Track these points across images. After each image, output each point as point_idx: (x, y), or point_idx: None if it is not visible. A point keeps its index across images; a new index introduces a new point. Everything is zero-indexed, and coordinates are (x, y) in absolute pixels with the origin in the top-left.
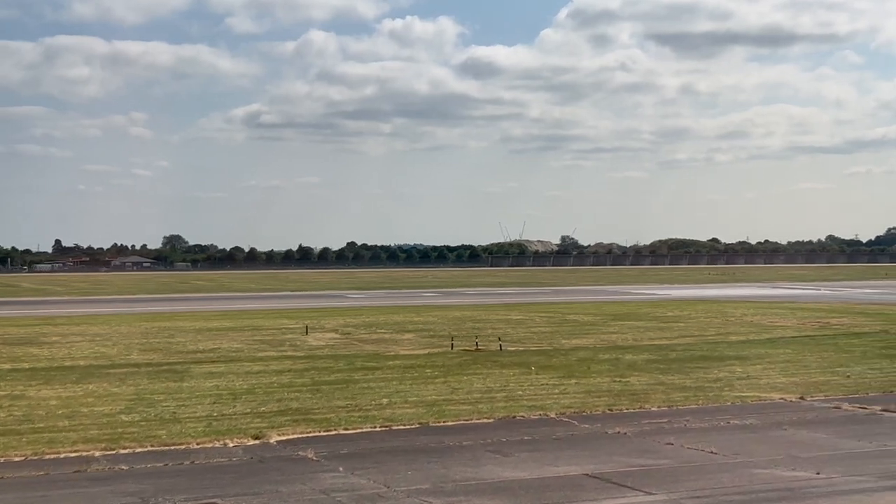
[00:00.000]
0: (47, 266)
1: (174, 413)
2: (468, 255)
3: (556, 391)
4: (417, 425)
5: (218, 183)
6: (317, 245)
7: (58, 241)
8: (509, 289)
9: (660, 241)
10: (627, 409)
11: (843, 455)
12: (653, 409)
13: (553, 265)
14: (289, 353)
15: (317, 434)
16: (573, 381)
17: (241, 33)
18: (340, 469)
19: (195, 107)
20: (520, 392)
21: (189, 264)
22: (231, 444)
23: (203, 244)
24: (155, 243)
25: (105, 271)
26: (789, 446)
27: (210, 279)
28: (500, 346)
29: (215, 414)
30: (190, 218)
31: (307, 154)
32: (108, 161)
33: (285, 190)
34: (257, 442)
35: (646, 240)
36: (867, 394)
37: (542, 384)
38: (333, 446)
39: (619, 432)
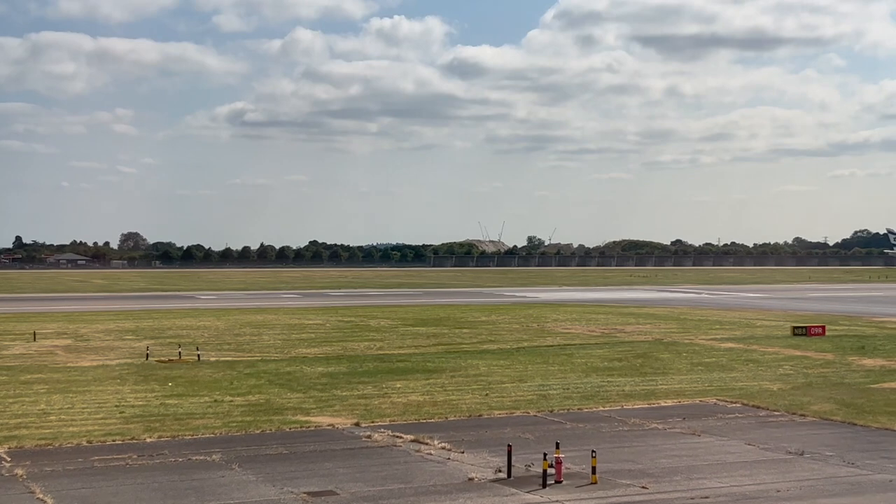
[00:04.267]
0: None
1: None
2: (412, 256)
3: (103, 414)
4: None
5: (203, 180)
6: (293, 244)
7: (18, 238)
8: (387, 290)
9: (613, 242)
10: (128, 440)
11: None
12: (149, 439)
13: (497, 265)
14: None
15: None
16: (174, 400)
17: (228, 31)
18: None
19: (181, 104)
20: (66, 416)
21: (125, 262)
22: None
23: (163, 241)
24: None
25: (30, 269)
26: (177, 494)
27: (106, 277)
28: (199, 356)
29: None
30: (173, 215)
31: (293, 152)
32: (92, 158)
33: (271, 188)
34: None
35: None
36: (447, 418)
37: (125, 404)
38: None
39: (15, 475)
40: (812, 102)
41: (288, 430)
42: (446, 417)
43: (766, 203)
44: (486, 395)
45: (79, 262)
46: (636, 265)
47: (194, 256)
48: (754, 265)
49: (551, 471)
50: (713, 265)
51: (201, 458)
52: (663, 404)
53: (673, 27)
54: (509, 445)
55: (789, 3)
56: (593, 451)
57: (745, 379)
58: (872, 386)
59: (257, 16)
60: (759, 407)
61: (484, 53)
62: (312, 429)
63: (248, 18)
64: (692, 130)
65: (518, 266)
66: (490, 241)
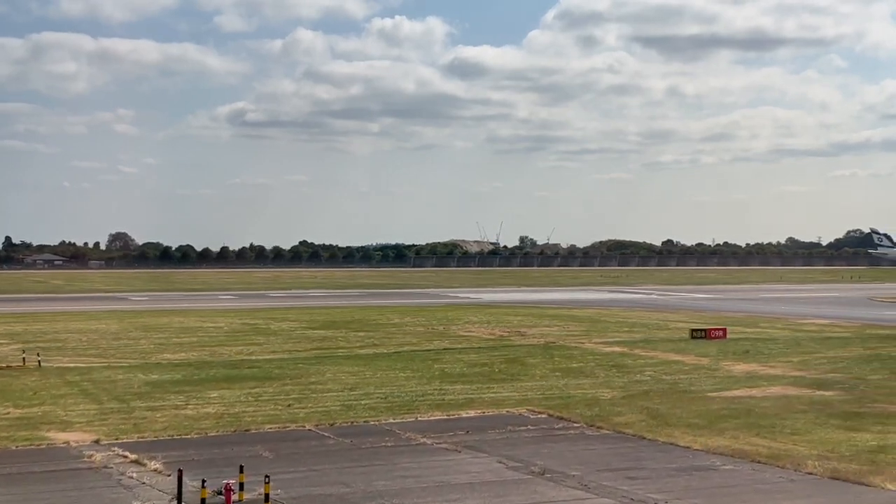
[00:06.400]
0: None
1: None
2: (394, 256)
3: None
4: None
5: (202, 180)
6: (291, 244)
7: (8, 238)
8: (337, 290)
9: (599, 242)
10: None
11: None
12: None
13: (478, 266)
14: None
15: None
16: None
17: (230, 31)
18: None
19: (182, 104)
20: None
21: (103, 263)
22: None
23: (152, 241)
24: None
25: (3, 270)
26: None
27: (67, 278)
28: (40, 362)
29: None
30: (173, 215)
31: (294, 152)
32: (93, 158)
33: (271, 188)
34: None
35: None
36: (207, 433)
37: None
38: None
39: None
40: (813, 103)
41: (14, 448)
42: (206, 433)
43: (766, 203)
44: (290, 405)
45: (55, 262)
46: (619, 265)
47: (172, 257)
48: (739, 265)
49: (221, 498)
50: (697, 265)
51: None
52: (464, 415)
53: (674, 28)
54: (180, 470)
55: (790, 4)
56: (267, 476)
57: (589, 386)
58: (711, 394)
59: (258, 16)
60: (561, 418)
61: (485, 54)
62: (43, 447)
63: (249, 19)
64: (693, 131)
65: (499, 266)
66: (475, 241)
